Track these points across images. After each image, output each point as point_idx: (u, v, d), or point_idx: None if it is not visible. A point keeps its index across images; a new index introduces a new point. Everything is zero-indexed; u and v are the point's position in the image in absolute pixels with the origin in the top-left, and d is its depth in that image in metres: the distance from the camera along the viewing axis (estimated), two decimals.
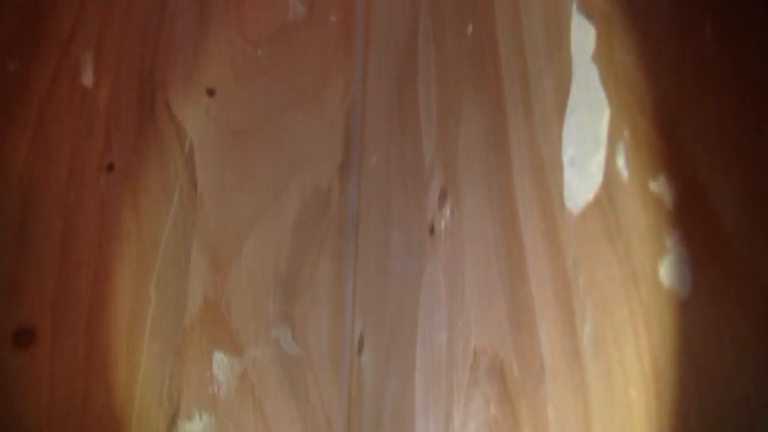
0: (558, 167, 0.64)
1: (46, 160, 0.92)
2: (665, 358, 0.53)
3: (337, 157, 0.94)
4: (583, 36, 0.62)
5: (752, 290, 0.50)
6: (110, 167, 0.92)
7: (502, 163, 0.70)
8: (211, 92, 0.95)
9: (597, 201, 0.60)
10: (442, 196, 0.78)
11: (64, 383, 0.87)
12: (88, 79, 0.93)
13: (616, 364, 0.56)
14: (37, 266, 0.90)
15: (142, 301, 0.89)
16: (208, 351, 0.88)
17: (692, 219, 0.53)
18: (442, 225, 0.77)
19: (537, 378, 0.62)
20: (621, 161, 0.58)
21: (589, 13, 0.62)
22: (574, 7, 0.64)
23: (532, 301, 0.63)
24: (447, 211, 0.76)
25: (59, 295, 0.89)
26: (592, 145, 0.61)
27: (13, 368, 0.88)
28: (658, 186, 0.55)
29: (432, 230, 0.78)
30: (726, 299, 0.51)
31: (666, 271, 0.53)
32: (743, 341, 0.50)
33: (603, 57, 0.60)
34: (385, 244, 0.85)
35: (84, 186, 0.91)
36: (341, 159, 0.94)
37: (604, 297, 0.57)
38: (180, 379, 0.87)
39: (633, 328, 0.55)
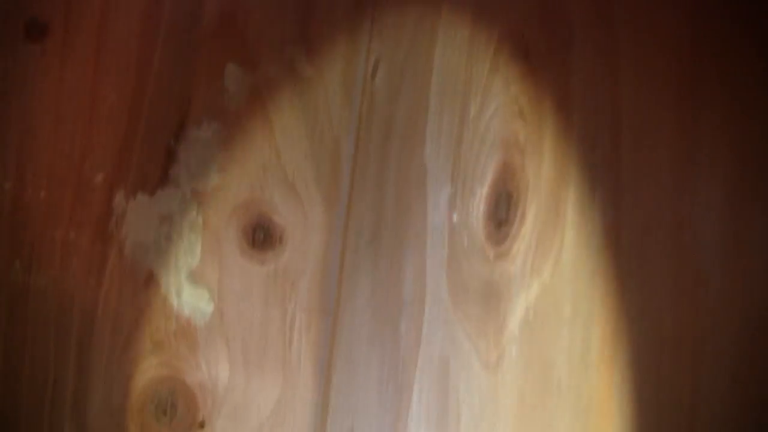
0: None
1: None
2: None
3: None
4: None
5: None
6: None
7: None
8: None
9: None
10: None
11: (73, 79, 0.87)
12: None
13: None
14: None
15: (158, 5, 0.88)
16: (221, 63, 0.87)
17: None
18: None
19: (564, 49, 0.62)
20: None
21: None
22: None
23: None
24: None
25: None
26: None
27: (24, 60, 0.87)
28: None
29: None
30: None
31: None
32: None
33: None
34: None
35: None
36: None
37: None
38: (190, 86, 0.87)
39: None
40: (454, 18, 0.76)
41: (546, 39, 0.64)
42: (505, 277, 0.63)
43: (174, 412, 0.85)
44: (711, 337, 0.50)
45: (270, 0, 0.88)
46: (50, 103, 0.86)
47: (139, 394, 0.85)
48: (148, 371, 0.85)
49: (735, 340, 0.49)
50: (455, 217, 0.70)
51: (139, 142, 0.86)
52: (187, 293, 0.86)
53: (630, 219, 0.54)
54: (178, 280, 0.86)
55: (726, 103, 0.50)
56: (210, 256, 0.86)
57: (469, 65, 0.72)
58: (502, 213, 0.65)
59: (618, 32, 0.58)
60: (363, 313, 0.80)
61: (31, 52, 0.87)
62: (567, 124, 0.60)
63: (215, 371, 0.86)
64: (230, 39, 0.87)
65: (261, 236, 0.86)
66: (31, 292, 0.86)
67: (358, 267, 0.82)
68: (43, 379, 0.84)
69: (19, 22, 0.86)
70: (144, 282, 0.86)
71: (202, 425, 0.86)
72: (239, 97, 0.87)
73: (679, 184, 0.51)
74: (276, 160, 0.86)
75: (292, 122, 0.86)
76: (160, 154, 0.86)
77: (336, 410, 0.85)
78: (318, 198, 0.86)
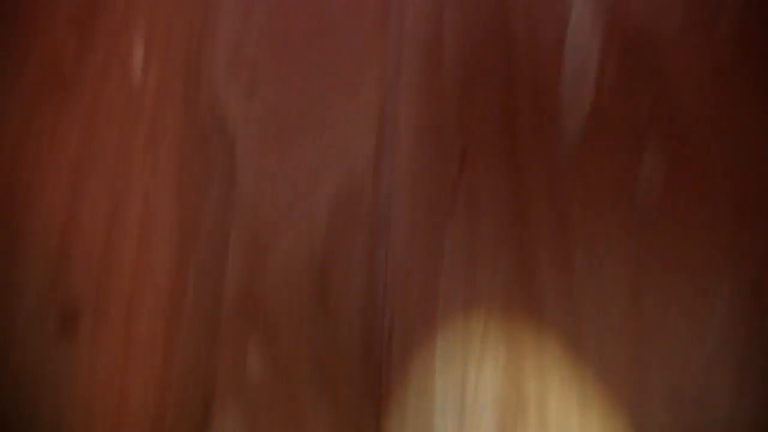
0: None
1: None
2: None
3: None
4: None
5: None
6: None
7: None
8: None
9: None
10: None
11: (102, 368, 0.89)
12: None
13: None
14: (82, 254, 0.92)
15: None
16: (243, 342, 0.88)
17: None
18: None
19: None
20: None
21: None
22: None
23: None
24: None
25: (102, 280, 0.91)
26: None
27: (56, 352, 0.90)
28: None
29: None
30: None
31: None
32: None
33: None
34: None
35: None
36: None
37: None
38: (215, 369, 0.87)
39: None
40: None
41: None
42: None
43: None
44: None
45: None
46: (81, 393, 0.89)
47: None
48: None
49: None
50: None
51: None
52: None
53: None
54: None
55: None
56: None
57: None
58: None
59: None
60: None
61: (62, 343, 0.90)
62: None
63: None
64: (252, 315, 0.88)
65: None
66: None
67: None
68: None
69: (51, 316, 0.90)
70: None
71: None
72: (263, 375, 0.87)
73: None
74: None
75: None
76: None
77: None
78: None
